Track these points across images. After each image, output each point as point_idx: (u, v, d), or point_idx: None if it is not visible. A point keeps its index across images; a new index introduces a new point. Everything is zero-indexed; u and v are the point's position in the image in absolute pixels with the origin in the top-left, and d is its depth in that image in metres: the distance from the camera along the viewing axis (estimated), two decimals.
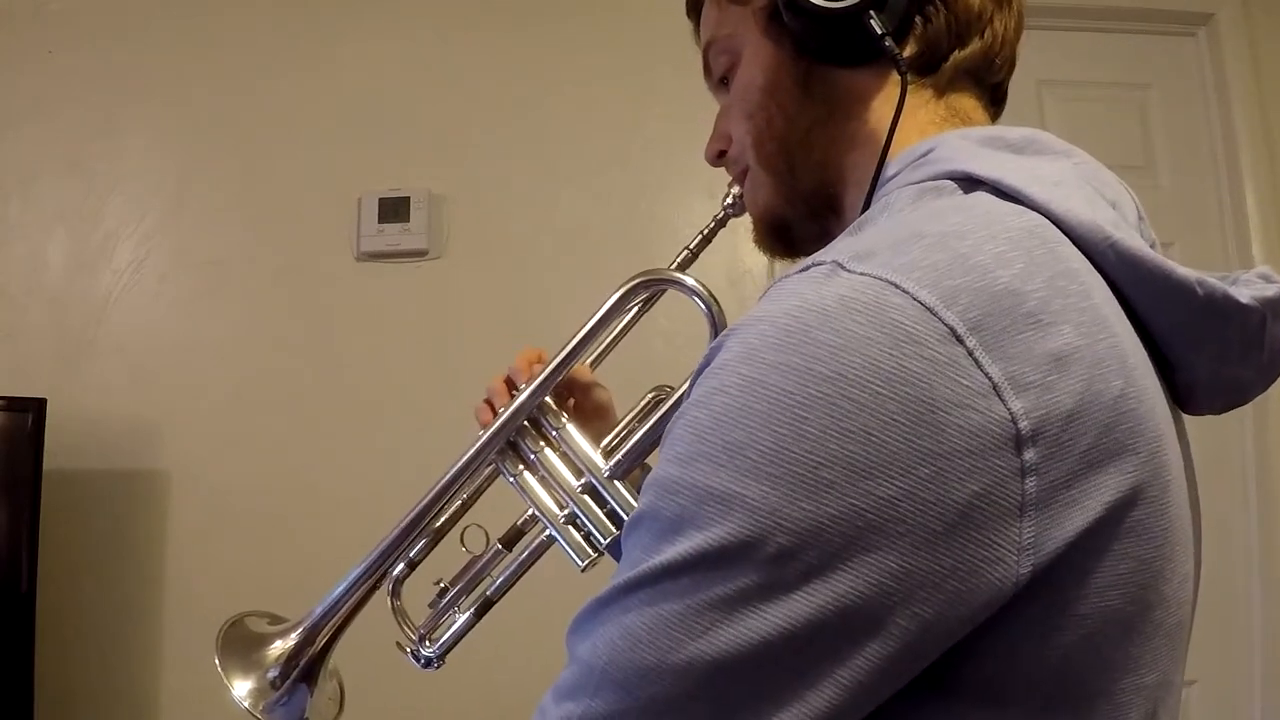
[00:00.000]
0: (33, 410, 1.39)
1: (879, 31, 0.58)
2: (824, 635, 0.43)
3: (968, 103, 0.63)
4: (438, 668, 0.88)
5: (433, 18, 1.74)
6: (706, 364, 0.49)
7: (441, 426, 1.62)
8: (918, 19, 0.60)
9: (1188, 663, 0.56)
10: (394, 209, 1.65)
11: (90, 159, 1.71)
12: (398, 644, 0.89)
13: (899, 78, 0.59)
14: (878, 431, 0.43)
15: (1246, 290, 0.53)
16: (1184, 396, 0.57)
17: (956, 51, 0.61)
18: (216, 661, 0.81)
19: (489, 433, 0.86)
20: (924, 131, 0.60)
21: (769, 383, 0.45)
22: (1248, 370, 0.57)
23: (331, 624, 0.85)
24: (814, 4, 0.59)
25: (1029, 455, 0.44)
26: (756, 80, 0.67)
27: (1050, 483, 0.45)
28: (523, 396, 0.84)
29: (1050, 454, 0.45)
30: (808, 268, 0.50)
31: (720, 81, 0.75)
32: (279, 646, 0.83)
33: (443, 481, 0.88)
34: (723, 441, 0.45)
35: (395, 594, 0.89)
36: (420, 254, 1.66)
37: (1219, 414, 0.60)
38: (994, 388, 0.44)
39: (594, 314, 0.84)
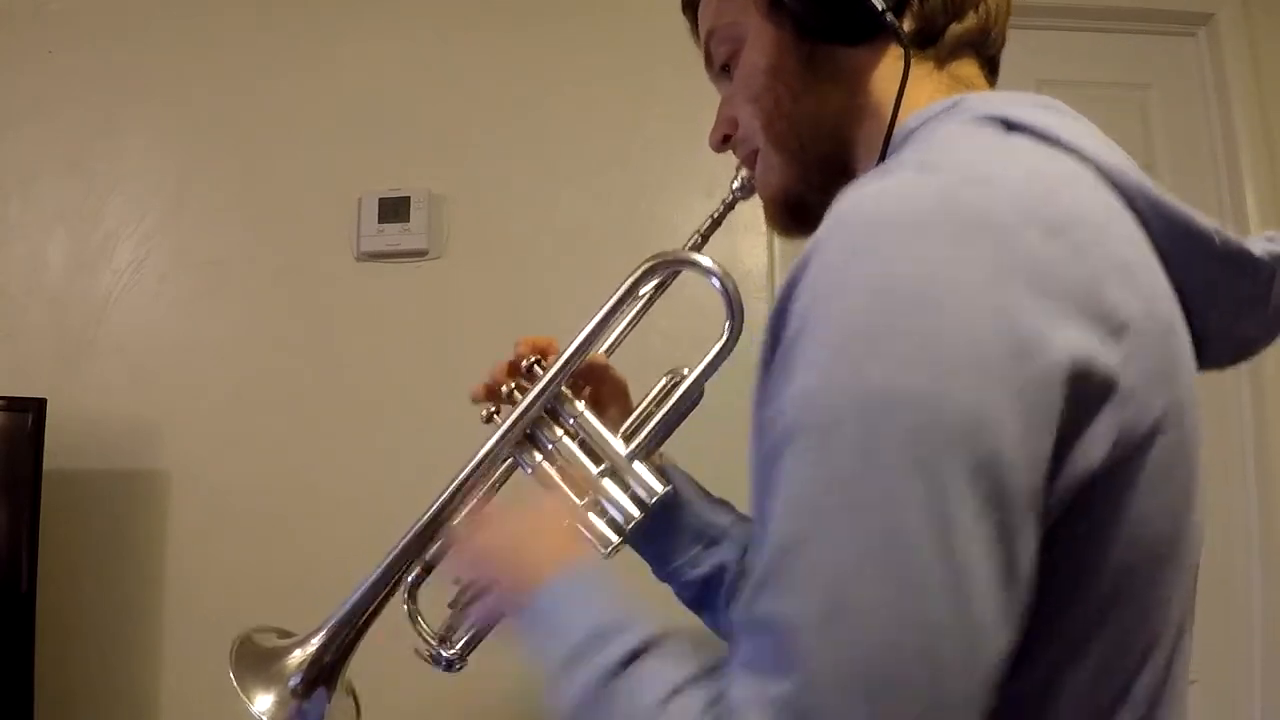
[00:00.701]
0: (33, 410, 1.39)
1: (879, 8, 0.61)
2: (1009, 500, 0.46)
3: (969, 70, 0.67)
4: (459, 669, 0.85)
5: (433, 18, 1.74)
6: (798, 277, 0.51)
7: (442, 426, 1.62)
8: None
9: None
10: (394, 209, 1.65)
11: (90, 159, 1.71)
12: (415, 651, 0.85)
13: (900, 52, 0.63)
14: (1017, 315, 0.47)
15: (1258, 245, 0.57)
16: (1195, 350, 0.58)
17: (954, 24, 0.65)
18: (233, 678, 0.79)
19: (506, 425, 0.84)
20: (932, 98, 0.63)
21: (896, 275, 0.47)
22: (1254, 325, 0.61)
23: (351, 628, 0.82)
24: None
25: (1124, 348, 0.49)
26: (760, 63, 0.69)
27: (1130, 381, 0.49)
28: (539, 385, 0.83)
29: (1131, 354, 0.50)
30: (882, 174, 0.53)
31: (722, 70, 0.76)
32: (299, 655, 0.80)
33: (460, 477, 0.86)
34: (868, 338, 0.47)
35: (411, 598, 0.87)
36: (420, 254, 1.66)
37: (1222, 369, 0.63)
38: (1093, 280, 0.49)
39: (609, 298, 0.84)
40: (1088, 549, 0.51)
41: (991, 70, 0.69)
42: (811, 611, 0.45)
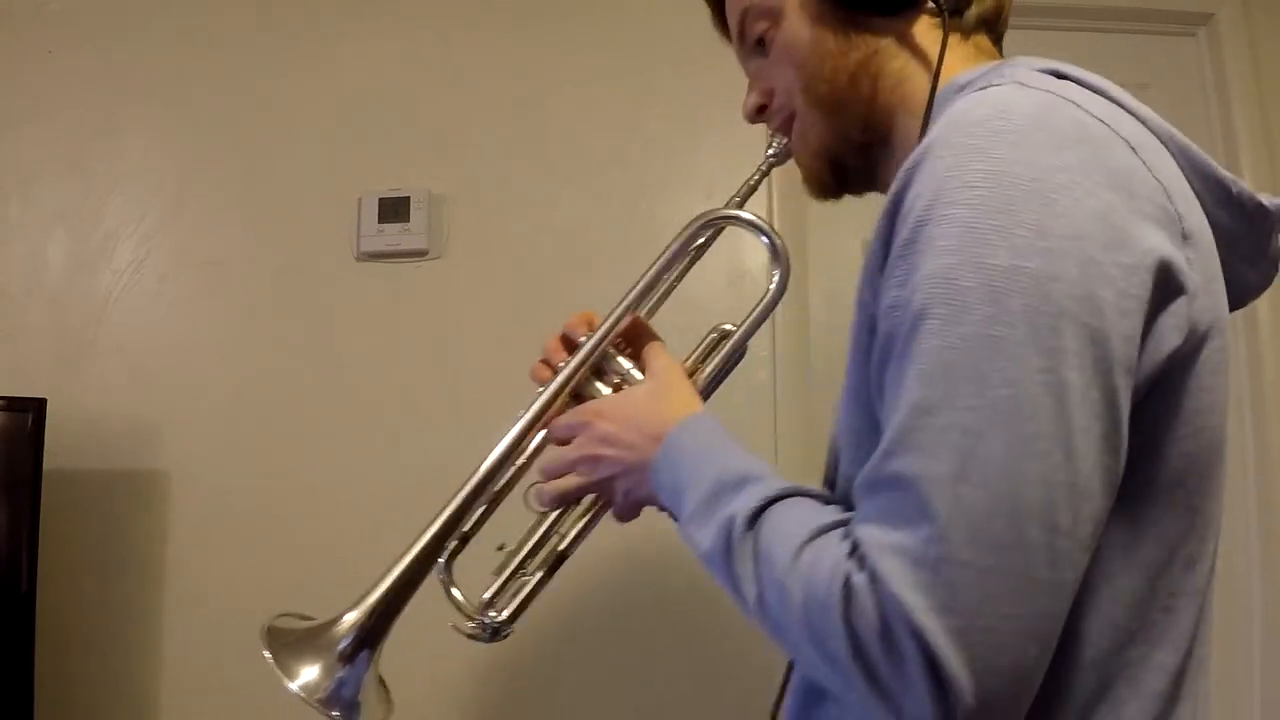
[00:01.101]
0: (33, 410, 1.39)
1: None
2: (1111, 372, 0.53)
3: (986, 44, 0.76)
4: (506, 636, 0.86)
5: (433, 18, 1.74)
6: (913, 173, 0.58)
7: (442, 426, 1.63)
8: None
9: None
10: (394, 209, 1.65)
11: (90, 159, 1.71)
12: (453, 627, 0.86)
13: (930, 22, 0.73)
14: (1109, 213, 0.55)
15: (1265, 199, 0.65)
16: None
17: (976, 3, 0.74)
18: (268, 656, 0.79)
19: (556, 381, 0.86)
20: (963, 64, 0.71)
21: (1012, 172, 0.54)
22: (1256, 272, 0.68)
23: (400, 593, 0.81)
24: None
25: (1189, 253, 0.58)
26: (802, 33, 0.76)
27: (1194, 283, 0.58)
28: (589, 343, 0.86)
29: (1193, 259, 0.58)
30: (982, 88, 0.62)
31: (756, 45, 0.81)
32: (350, 619, 0.79)
33: (512, 435, 0.86)
34: (991, 226, 0.53)
35: (446, 571, 0.86)
36: (420, 254, 1.66)
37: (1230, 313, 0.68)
38: (1165, 193, 0.58)
39: (659, 258, 0.89)
40: (1158, 430, 0.57)
41: (999, 48, 0.77)
42: (943, 470, 0.51)
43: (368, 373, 1.63)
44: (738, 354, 0.89)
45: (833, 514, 0.60)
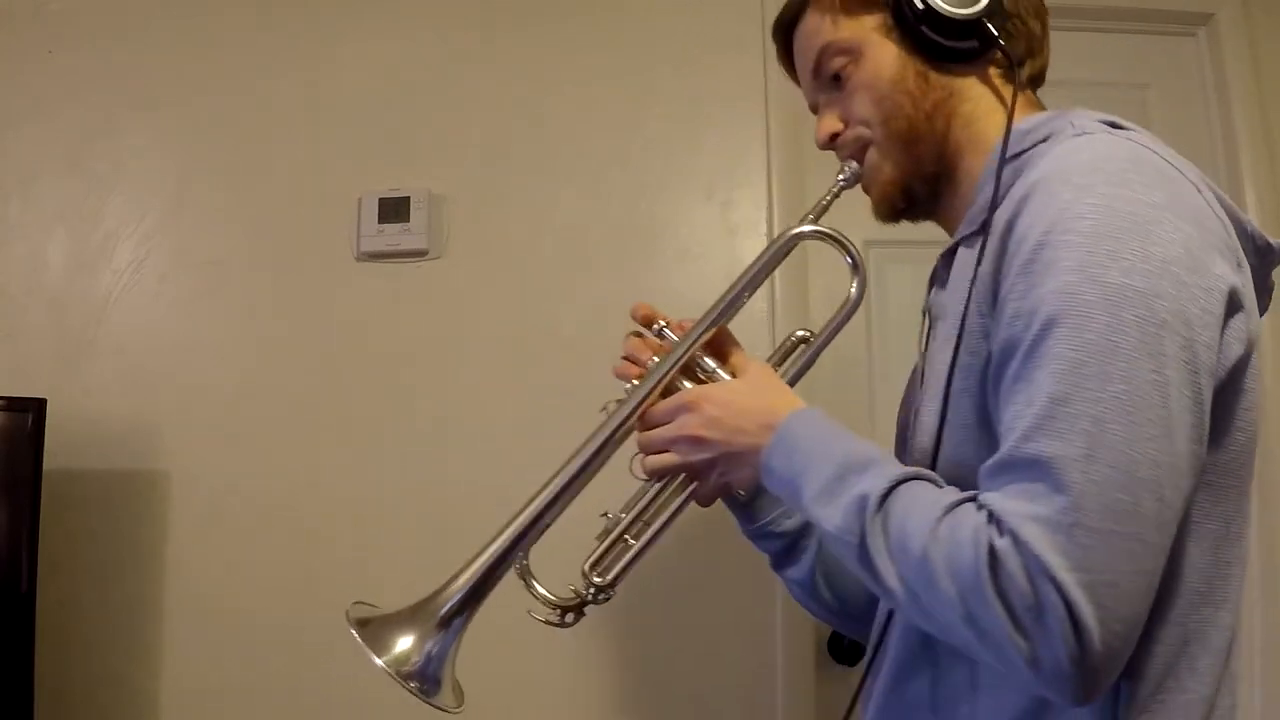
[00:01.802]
0: (33, 410, 1.39)
1: (996, 35, 0.82)
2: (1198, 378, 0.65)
3: (1034, 97, 0.89)
4: (608, 599, 0.92)
5: (433, 18, 1.74)
6: (1023, 205, 0.70)
7: (442, 426, 1.63)
8: (1008, 31, 0.85)
9: None
10: (394, 209, 1.65)
11: (90, 159, 1.71)
12: (530, 613, 0.91)
13: (995, 73, 0.86)
14: (1190, 244, 0.67)
15: (1270, 238, 0.78)
16: None
17: (1030, 60, 0.87)
18: (356, 634, 0.81)
19: (655, 375, 0.91)
20: (1022, 110, 0.83)
21: (1115, 207, 0.66)
22: (1260, 303, 0.76)
23: (493, 570, 0.86)
24: (945, 14, 0.82)
25: (1243, 279, 0.71)
26: (884, 72, 0.86)
27: (1248, 304, 0.70)
28: (684, 345, 0.91)
29: (1246, 284, 0.71)
30: (1047, 136, 0.78)
31: (832, 79, 0.90)
32: (450, 589, 0.84)
33: (613, 425, 0.90)
34: (1105, 250, 0.64)
35: (523, 560, 0.92)
36: (420, 254, 1.66)
37: None
38: (1224, 227, 0.71)
39: (747, 272, 0.94)
40: (1224, 423, 0.70)
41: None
42: (1076, 451, 0.61)
43: (367, 373, 1.63)
44: (813, 361, 0.97)
45: (956, 492, 0.69)
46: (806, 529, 1.00)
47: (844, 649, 1.57)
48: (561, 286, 1.65)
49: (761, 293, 1.62)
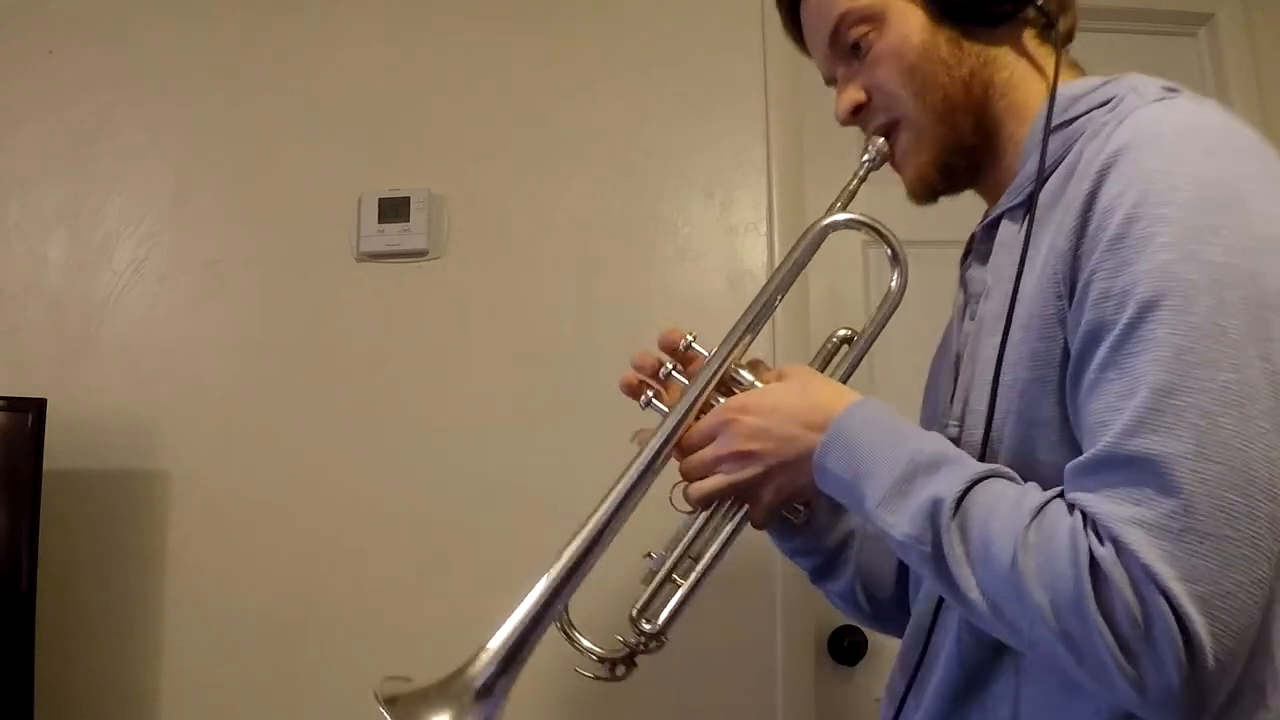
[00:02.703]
0: (33, 410, 1.39)
1: None
2: None
3: (1072, 58, 0.81)
4: (659, 647, 0.83)
5: (433, 18, 1.74)
6: (1105, 175, 0.64)
7: (442, 426, 1.63)
8: None
9: None
10: (394, 209, 1.65)
11: (90, 159, 1.71)
12: (577, 670, 0.81)
13: (1030, 34, 0.79)
14: None
15: None
16: None
17: (1063, 17, 0.79)
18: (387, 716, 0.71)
19: (688, 397, 0.81)
20: (1065, 75, 0.76)
21: (1211, 177, 0.61)
22: None
23: (532, 626, 0.76)
24: None
25: None
26: (912, 39, 0.79)
27: None
28: (717, 358, 0.83)
29: None
30: (1105, 101, 0.71)
31: (851, 48, 0.82)
32: (483, 658, 0.74)
33: (645, 459, 0.80)
34: (1206, 225, 0.59)
35: (564, 612, 0.82)
36: (420, 254, 1.66)
37: None
38: None
39: (782, 267, 0.86)
40: None
41: None
42: (1185, 448, 0.56)
43: (367, 373, 1.63)
44: (859, 359, 0.89)
45: (1039, 491, 0.63)
46: (847, 542, 0.94)
47: (844, 649, 1.57)
48: (561, 286, 1.65)
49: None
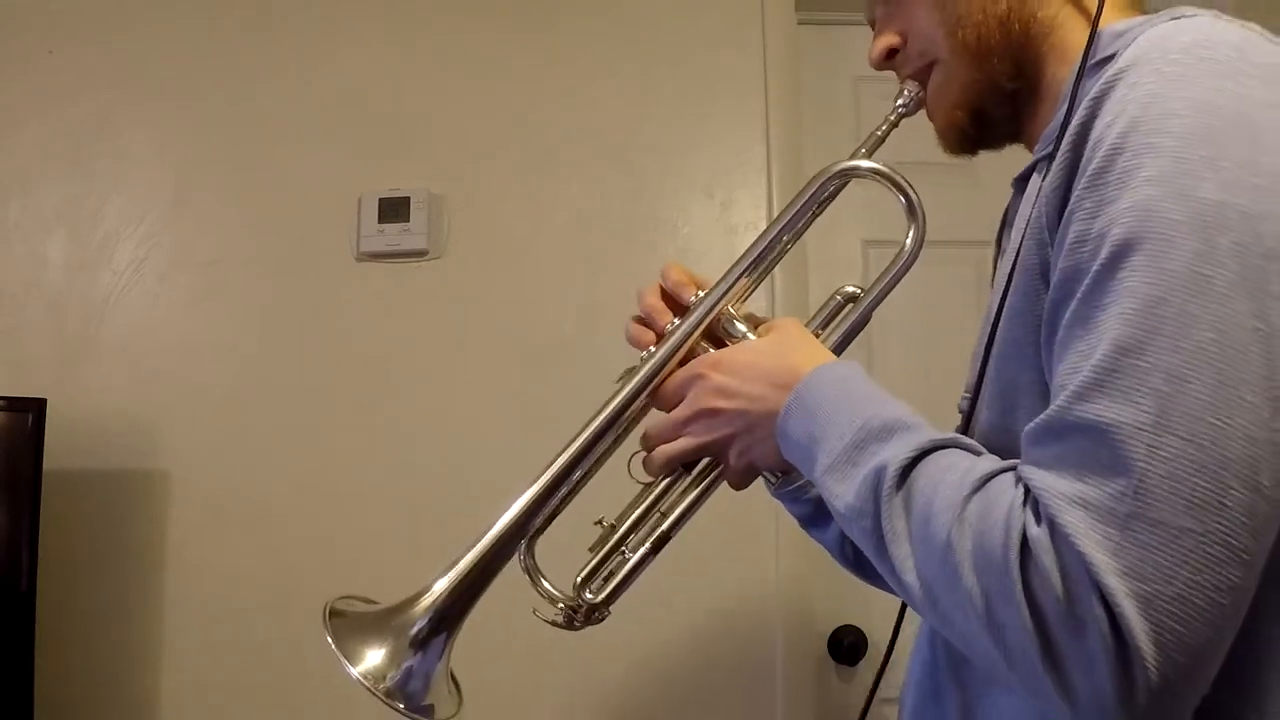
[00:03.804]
0: (33, 410, 1.39)
1: None
2: None
3: None
4: (602, 619, 0.79)
5: (433, 18, 1.74)
6: (1102, 100, 0.55)
7: (442, 426, 1.63)
8: None
9: None
10: (394, 209, 1.65)
11: (90, 159, 1.71)
12: (535, 613, 0.78)
13: None
14: None
15: None
16: None
17: None
18: (331, 642, 0.69)
19: (671, 342, 0.77)
20: (1116, 13, 0.67)
21: (1218, 103, 0.52)
22: None
23: (482, 571, 0.73)
24: None
25: None
26: None
27: None
28: (707, 301, 0.78)
29: None
30: (1177, 19, 0.58)
31: None
32: (426, 601, 0.72)
33: (620, 399, 0.76)
34: (1199, 157, 0.50)
35: (529, 553, 0.77)
36: (420, 254, 1.66)
37: None
38: None
39: (783, 213, 0.81)
40: None
41: None
42: (1144, 417, 0.47)
43: (367, 373, 1.63)
44: (864, 320, 0.81)
45: (992, 461, 0.56)
46: None
47: (844, 649, 1.57)
48: (561, 286, 1.65)
49: (761, 291, 1.62)
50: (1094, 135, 0.55)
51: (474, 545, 0.74)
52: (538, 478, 0.75)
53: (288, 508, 1.59)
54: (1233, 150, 0.50)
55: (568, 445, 0.76)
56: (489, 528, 0.75)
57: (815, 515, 0.91)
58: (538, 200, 1.68)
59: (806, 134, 1.68)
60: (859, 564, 0.92)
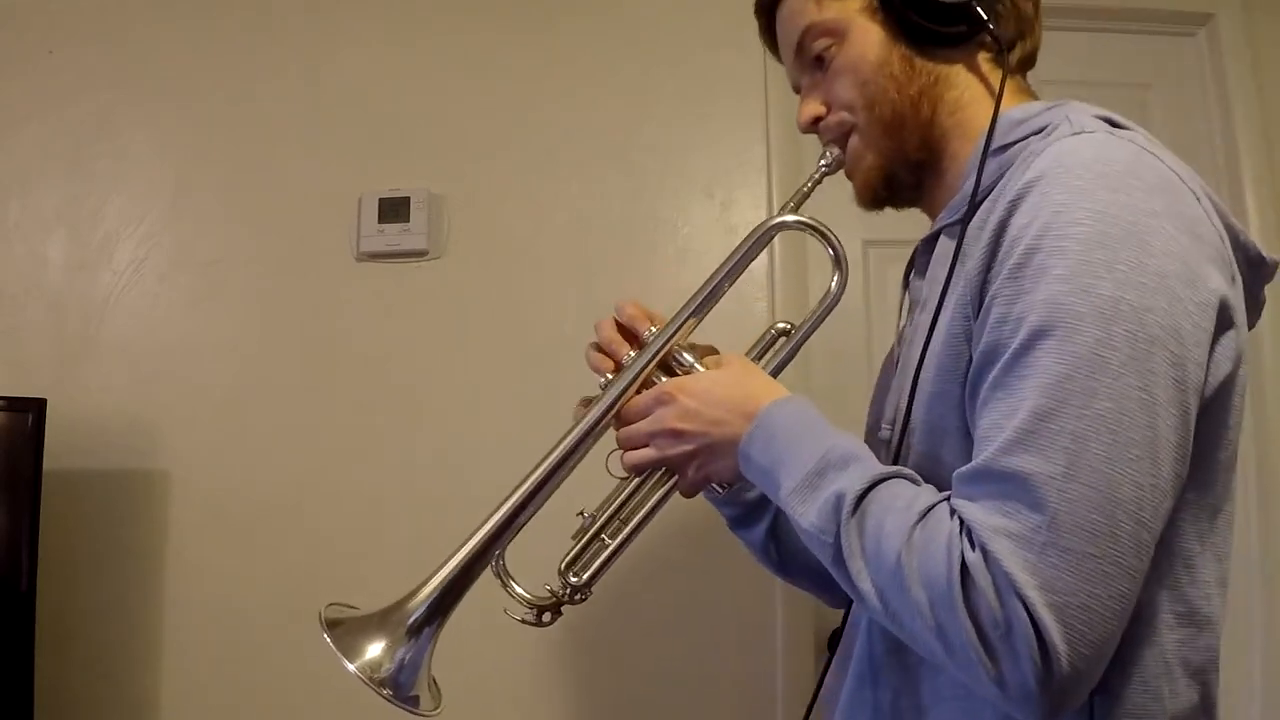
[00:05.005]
0: (33, 410, 1.39)
1: (985, 19, 0.79)
2: (1186, 397, 0.63)
3: (1024, 83, 0.85)
4: (584, 599, 0.89)
5: (432, 18, 1.74)
6: (1017, 204, 0.66)
7: (442, 426, 1.63)
8: (997, 14, 0.81)
9: None
10: (394, 209, 1.65)
11: (90, 159, 1.71)
12: (506, 611, 0.88)
13: (984, 57, 0.82)
14: (1187, 256, 0.64)
15: (1264, 251, 0.75)
16: None
17: (1020, 44, 0.83)
18: (328, 639, 0.78)
19: (630, 373, 0.88)
20: (1012, 98, 0.80)
21: (1112, 214, 0.63)
22: (1249, 317, 0.74)
23: (466, 573, 0.84)
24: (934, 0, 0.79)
25: (1236, 292, 0.68)
26: (869, 55, 0.83)
27: (1239, 319, 0.68)
28: (659, 341, 0.89)
29: (1239, 297, 0.69)
30: (1041, 128, 0.74)
31: (815, 60, 0.87)
32: (418, 597, 0.82)
33: (588, 422, 0.87)
34: (1099, 260, 0.62)
35: (498, 561, 0.88)
36: (420, 254, 1.66)
37: None
38: (1220, 238, 0.69)
39: (724, 265, 0.92)
40: (1211, 440, 0.68)
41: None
42: (1055, 469, 0.59)
43: (367, 373, 1.63)
44: (794, 352, 0.94)
45: (932, 494, 0.68)
46: (765, 499, 0.99)
47: None
48: (561, 286, 1.65)
49: (761, 292, 1.63)
50: (1010, 233, 0.66)
51: (451, 558, 0.84)
52: (513, 491, 0.86)
53: (288, 508, 1.59)
54: (1124, 254, 0.62)
55: (540, 463, 0.86)
56: (465, 541, 0.84)
57: (745, 517, 1.02)
58: (538, 200, 1.68)
59: (806, 134, 1.68)
60: (782, 565, 1.03)
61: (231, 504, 1.59)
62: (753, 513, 1.01)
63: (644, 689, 1.55)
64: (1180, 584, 0.68)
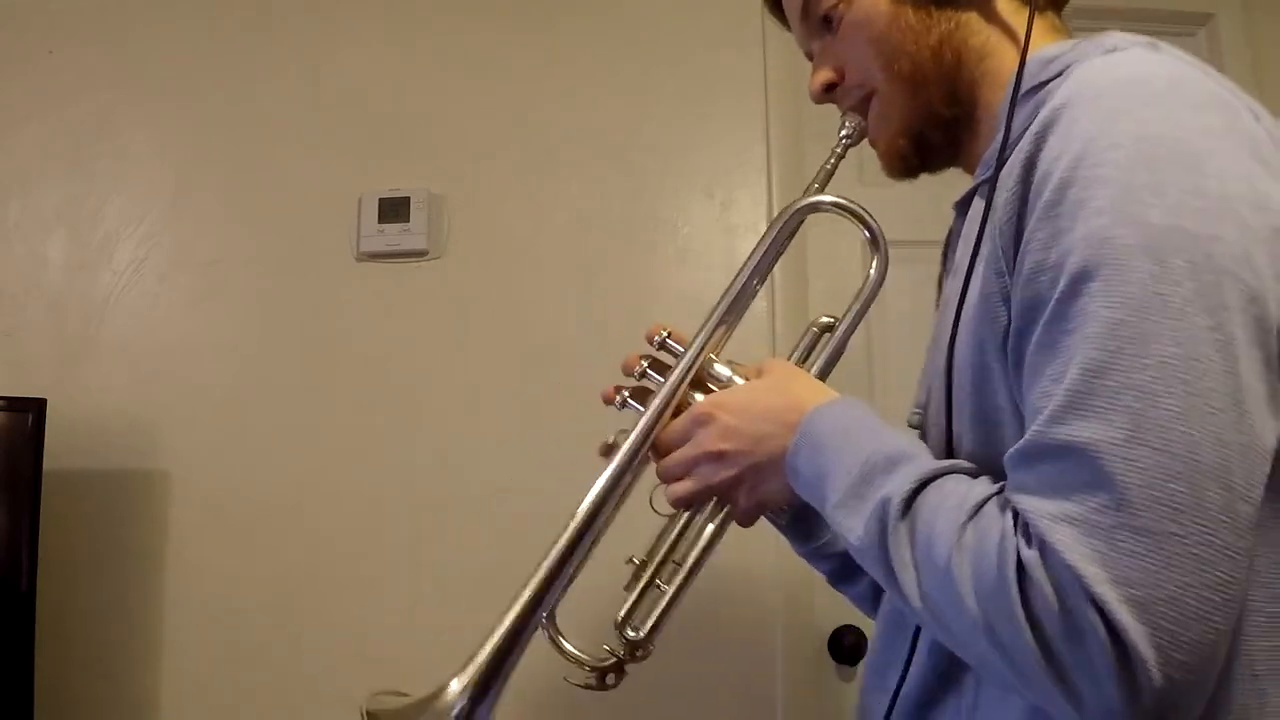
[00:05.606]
0: (33, 410, 1.39)
1: None
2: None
3: (1058, 21, 0.76)
4: (646, 655, 0.81)
5: (432, 18, 1.74)
6: (1046, 133, 0.57)
7: (442, 426, 1.63)
8: None
9: None
10: (394, 209, 1.65)
11: (90, 159, 1.71)
12: (566, 679, 0.81)
13: None
14: (1253, 176, 0.54)
15: None
16: None
17: None
18: None
19: (659, 398, 0.79)
20: (1043, 39, 0.71)
21: (1158, 133, 0.54)
22: None
23: (513, 644, 0.75)
24: None
25: None
26: (880, 9, 0.74)
27: None
28: (691, 351, 0.80)
29: None
30: (1108, 50, 0.63)
31: (823, 21, 0.79)
32: (457, 684, 0.73)
33: (617, 463, 0.77)
34: (1143, 185, 0.52)
35: (550, 619, 0.79)
36: (420, 254, 1.66)
37: None
38: (1279, 157, 0.57)
39: (757, 251, 0.83)
40: None
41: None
42: (1117, 434, 0.49)
43: (367, 373, 1.63)
44: (841, 348, 0.84)
45: (985, 486, 0.58)
46: None
47: (844, 649, 1.57)
48: (561, 286, 1.65)
49: (761, 291, 1.62)
50: (1040, 169, 0.57)
51: (499, 624, 0.74)
52: (548, 553, 0.75)
53: (287, 508, 1.59)
54: (1175, 176, 0.53)
55: (575, 514, 0.76)
56: (510, 604, 0.75)
57: (843, 571, 0.91)
58: (538, 200, 1.68)
59: (806, 134, 1.68)
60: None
61: (231, 504, 1.59)
62: (851, 564, 0.84)
63: (643, 688, 1.55)
64: (1269, 576, 0.55)
